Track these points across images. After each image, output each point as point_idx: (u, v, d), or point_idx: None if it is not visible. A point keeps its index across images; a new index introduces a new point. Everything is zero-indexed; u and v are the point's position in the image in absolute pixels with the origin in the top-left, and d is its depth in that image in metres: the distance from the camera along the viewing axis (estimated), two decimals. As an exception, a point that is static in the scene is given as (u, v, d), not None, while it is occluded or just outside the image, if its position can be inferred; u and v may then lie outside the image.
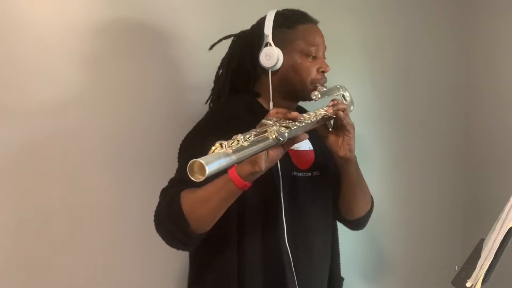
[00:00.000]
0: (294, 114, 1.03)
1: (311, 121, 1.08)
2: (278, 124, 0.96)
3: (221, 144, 0.81)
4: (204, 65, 1.38)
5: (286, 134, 0.96)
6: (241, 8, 1.48)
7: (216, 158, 0.78)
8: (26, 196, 1.34)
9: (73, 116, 1.39)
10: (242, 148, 0.84)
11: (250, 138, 0.88)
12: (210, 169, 0.75)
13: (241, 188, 1.02)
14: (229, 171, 1.01)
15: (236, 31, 1.34)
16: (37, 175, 1.36)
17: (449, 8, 2.10)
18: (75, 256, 1.40)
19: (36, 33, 1.34)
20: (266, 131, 0.93)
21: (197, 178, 0.76)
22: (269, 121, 0.96)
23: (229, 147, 0.82)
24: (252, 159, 0.97)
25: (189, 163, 0.77)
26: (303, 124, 1.04)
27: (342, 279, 1.44)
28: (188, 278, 1.29)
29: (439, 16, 2.09)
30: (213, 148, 0.82)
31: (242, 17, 1.31)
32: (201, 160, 0.75)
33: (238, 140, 0.84)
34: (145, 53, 1.49)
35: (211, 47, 1.34)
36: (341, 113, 1.15)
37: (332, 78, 1.34)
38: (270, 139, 0.92)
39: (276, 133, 0.92)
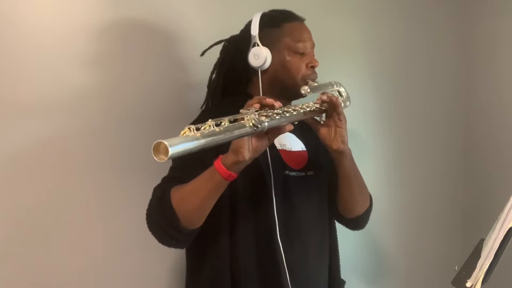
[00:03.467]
0: (271, 100, 1.01)
1: (297, 112, 1.05)
2: (257, 114, 0.93)
3: (189, 128, 0.80)
4: (207, 66, 1.35)
5: (266, 123, 0.93)
6: (245, 9, 1.48)
7: (183, 141, 0.76)
8: (24, 195, 1.31)
9: (75, 116, 1.36)
10: (213, 133, 0.82)
11: (224, 124, 0.86)
12: (173, 150, 0.74)
13: (226, 178, 0.99)
14: (215, 162, 0.99)
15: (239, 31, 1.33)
16: (40, 174, 1.33)
17: (449, 8, 2.09)
18: (71, 255, 1.37)
19: (40, 33, 1.32)
20: (243, 119, 0.90)
21: (161, 158, 0.75)
22: (247, 111, 0.94)
23: (197, 131, 0.80)
24: (235, 148, 0.97)
25: (154, 143, 0.75)
26: (287, 115, 1.01)
27: (343, 282, 1.39)
28: (185, 276, 1.27)
29: (439, 15, 2.06)
30: (182, 132, 0.80)
31: (246, 17, 1.29)
32: (166, 141, 0.74)
33: (209, 126, 0.82)
34: (149, 54, 1.47)
35: (203, 53, 1.34)
36: (335, 100, 1.13)
37: (333, 77, 1.32)
38: (247, 126, 0.89)
39: (253, 121, 0.90)
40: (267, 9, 1.28)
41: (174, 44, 1.51)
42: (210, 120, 0.84)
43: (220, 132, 0.83)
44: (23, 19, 1.31)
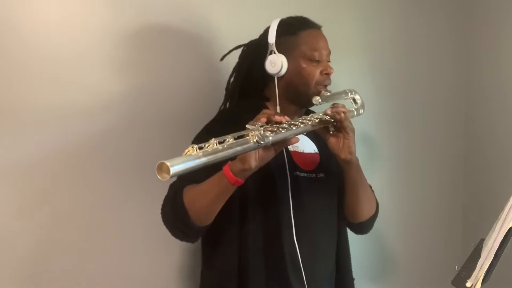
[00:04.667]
0: (279, 118, 1.04)
1: (304, 124, 1.09)
2: (263, 129, 0.98)
3: (192, 147, 0.85)
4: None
5: (270, 138, 0.98)
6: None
7: (184, 161, 0.83)
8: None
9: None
10: (216, 151, 0.87)
11: (228, 141, 0.90)
12: (174, 170, 0.80)
13: (233, 184, 1.05)
14: (224, 168, 1.05)
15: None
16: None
17: (449, 8, 2.08)
18: (78, 255, 1.38)
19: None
20: (248, 135, 0.95)
21: (164, 177, 0.81)
22: (253, 126, 0.98)
23: (200, 149, 0.85)
24: (242, 157, 1.01)
25: (157, 164, 0.81)
26: (294, 128, 1.05)
27: (353, 279, 1.41)
28: (201, 267, 1.32)
29: (440, 16, 2.06)
30: (186, 150, 0.86)
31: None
32: (167, 162, 0.80)
33: (212, 144, 0.88)
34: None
35: (222, 58, 1.39)
36: (338, 116, 1.15)
37: (334, 77, 1.33)
38: (250, 142, 0.94)
39: (257, 137, 0.95)
40: (285, 9, 1.31)
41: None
42: (213, 139, 0.89)
43: (222, 150, 0.88)
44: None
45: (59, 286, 1.36)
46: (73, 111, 1.35)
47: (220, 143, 0.88)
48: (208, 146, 0.87)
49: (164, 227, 1.19)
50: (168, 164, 0.79)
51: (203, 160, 0.84)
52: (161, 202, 1.20)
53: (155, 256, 1.48)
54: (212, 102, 1.44)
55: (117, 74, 1.41)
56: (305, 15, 1.32)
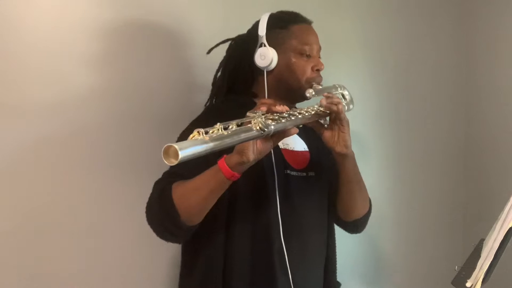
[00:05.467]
0: (280, 107, 1.01)
1: (302, 115, 1.06)
2: (264, 117, 0.94)
3: (198, 132, 0.81)
4: (211, 66, 1.36)
5: (272, 127, 0.94)
6: (251, 9, 1.47)
7: (192, 145, 0.78)
8: (26, 194, 1.31)
9: (79, 116, 1.36)
10: (221, 137, 0.83)
11: (231, 127, 0.87)
12: (183, 154, 0.75)
13: (229, 178, 1.00)
14: (219, 161, 1.00)
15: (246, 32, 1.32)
16: (41, 173, 1.33)
17: (449, 7, 2.08)
18: (71, 254, 1.36)
19: (43, 35, 1.32)
20: (250, 122, 0.91)
21: (171, 162, 0.76)
22: (254, 114, 0.94)
23: (206, 134, 0.81)
24: (239, 149, 0.97)
25: (164, 147, 0.76)
26: (293, 118, 1.02)
27: (339, 284, 1.37)
28: (179, 271, 1.26)
29: (440, 15, 2.06)
30: (191, 135, 0.81)
31: (252, 18, 1.29)
32: (176, 145, 0.75)
33: (218, 129, 0.84)
34: (152, 54, 1.47)
35: (209, 51, 1.35)
36: (335, 107, 1.13)
37: (333, 77, 1.33)
38: (253, 130, 0.90)
39: (260, 125, 0.91)
40: (273, 9, 1.28)
41: (178, 44, 1.51)
42: (218, 124, 0.85)
43: (227, 136, 0.84)
44: (25, 21, 1.31)
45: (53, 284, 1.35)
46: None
47: (225, 128, 0.85)
48: (213, 131, 0.83)
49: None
50: (177, 147, 0.74)
51: (210, 145, 0.80)
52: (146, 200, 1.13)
53: (147, 255, 1.46)
54: (198, 99, 1.43)
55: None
56: (304, 14, 1.31)
